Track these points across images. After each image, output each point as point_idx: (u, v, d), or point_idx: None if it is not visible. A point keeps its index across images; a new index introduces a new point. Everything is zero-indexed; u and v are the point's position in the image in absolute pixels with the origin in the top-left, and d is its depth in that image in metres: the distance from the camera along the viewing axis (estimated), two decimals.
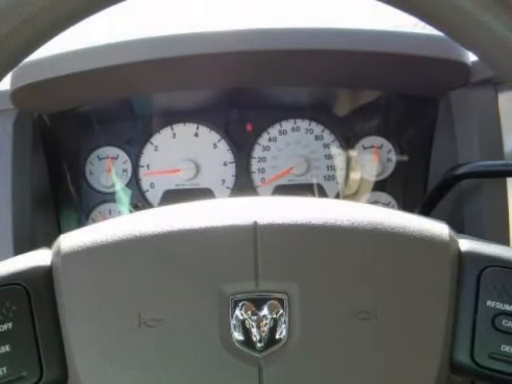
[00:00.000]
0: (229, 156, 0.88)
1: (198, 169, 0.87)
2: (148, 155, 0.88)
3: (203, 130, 0.88)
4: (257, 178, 0.88)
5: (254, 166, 0.88)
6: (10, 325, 0.36)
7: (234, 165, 0.88)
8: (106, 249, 0.37)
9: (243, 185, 0.87)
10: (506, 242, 0.68)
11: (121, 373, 0.36)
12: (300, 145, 0.88)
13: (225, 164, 0.88)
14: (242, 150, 0.88)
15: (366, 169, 0.87)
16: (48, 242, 0.40)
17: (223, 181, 0.88)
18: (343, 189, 0.87)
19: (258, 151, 0.88)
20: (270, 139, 0.88)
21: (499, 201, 0.70)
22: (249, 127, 0.88)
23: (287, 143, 0.88)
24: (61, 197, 0.84)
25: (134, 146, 0.88)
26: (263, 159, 0.88)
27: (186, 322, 0.36)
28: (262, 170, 0.88)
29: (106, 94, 0.80)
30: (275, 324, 0.36)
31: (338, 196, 0.87)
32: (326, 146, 0.87)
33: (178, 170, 0.87)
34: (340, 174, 0.87)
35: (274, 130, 0.88)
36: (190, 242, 0.37)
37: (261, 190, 0.88)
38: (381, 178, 0.87)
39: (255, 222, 0.37)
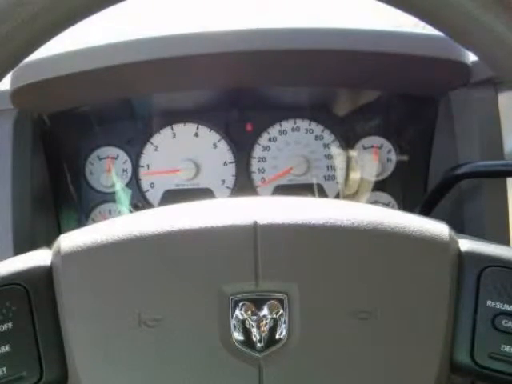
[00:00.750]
0: (229, 156, 0.88)
1: (198, 169, 0.87)
2: (148, 155, 0.88)
3: (203, 130, 0.88)
4: (257, 178, 0.88)
5: (254, 166, 0.88)
6: (9, 325, 0.36)
7: (234, 165, 0.88)
8: (106, 249, 0.37)
9: (243, 185, 0.87)
10: (506, 242, 0.68)
11: (121, 373, 0.36)
12: (300, 145, 0.88)
13: (225, 164, 0.88)
14: (241, 150, 0.88)
15: (365, 169, 0.87)
16: (48, 241, 0.40)
17: (223, 181, 0.88)
18: (343, 189, 0.87)
19: (258, 151, 0.88)
20: (269, 139, 0.88)
21: (499, 201, 0.70)
22: (249, 127, 0.88)
23: (287, 143, 0.88)
24: (61, 197, 0.84)
25: (134, 146, 0.87)
26: (263, 159, 0.88)
27: (186, 322, 0.36)
28: (262, 170, 0.88)
29: (105, 93, 0.80)
30: (275, 324, 0.36)
31: (338, 196, 0.87)
32: (326, 145, 0.87)
33: (178, 170, 0.87)
34: (340, 174, 0.87)
35: (273, 130, 0.88)
36: (190, 242, 0.37)
37: (261, 190, 0.88)
38: (381, 178, 0.87)
39: (255, 222, 0.37)
